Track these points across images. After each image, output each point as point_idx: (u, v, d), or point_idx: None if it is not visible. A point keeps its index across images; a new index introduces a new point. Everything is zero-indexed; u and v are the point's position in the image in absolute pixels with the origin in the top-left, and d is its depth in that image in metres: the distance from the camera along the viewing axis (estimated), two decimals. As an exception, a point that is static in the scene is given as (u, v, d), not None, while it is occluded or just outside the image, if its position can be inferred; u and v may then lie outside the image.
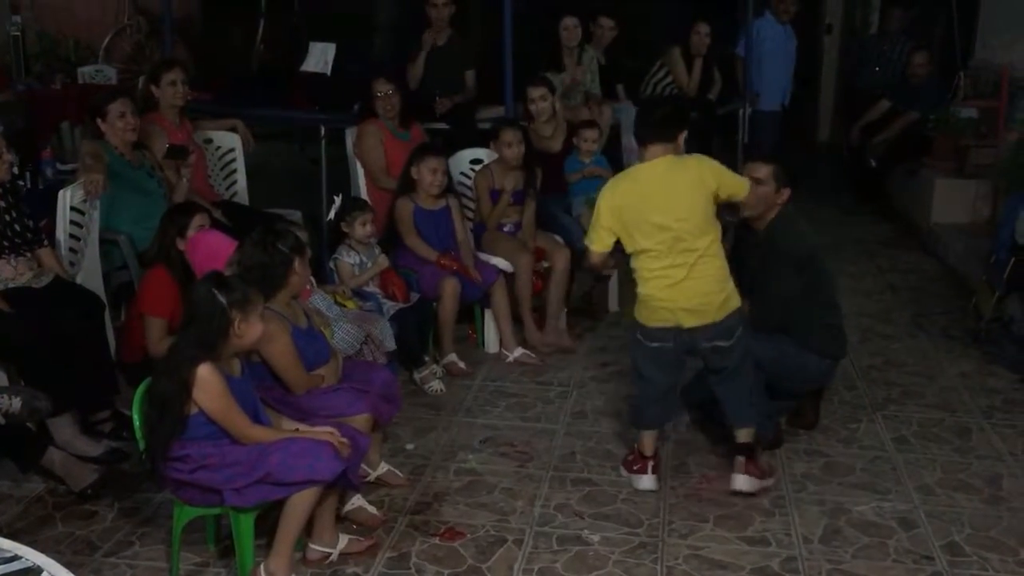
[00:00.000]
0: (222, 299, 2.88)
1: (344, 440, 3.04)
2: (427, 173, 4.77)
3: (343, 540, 3.20)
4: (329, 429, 3.08)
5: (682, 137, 3.52)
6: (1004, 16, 7.38)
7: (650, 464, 3.69)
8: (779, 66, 7.57)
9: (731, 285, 3.54)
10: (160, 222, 4.03)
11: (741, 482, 3.63)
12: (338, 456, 2.97)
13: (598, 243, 3.56)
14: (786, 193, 3.83)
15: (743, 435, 3.68)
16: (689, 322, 3.49)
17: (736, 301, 3.55)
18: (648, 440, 3.72)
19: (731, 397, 3.66)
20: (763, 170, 3.80)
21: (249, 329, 2.94)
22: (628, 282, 5.95)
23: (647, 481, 3.68)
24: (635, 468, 3.72)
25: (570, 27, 6.21)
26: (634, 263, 3.54)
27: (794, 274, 3.77)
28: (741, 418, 3.68)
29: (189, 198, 4.62)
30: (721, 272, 3.51)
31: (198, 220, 3.91)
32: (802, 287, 3.79)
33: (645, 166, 3.50)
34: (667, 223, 3.41)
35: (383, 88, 5.30)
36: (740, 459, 3.64)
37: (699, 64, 6.86)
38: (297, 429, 3.09)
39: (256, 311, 2.95)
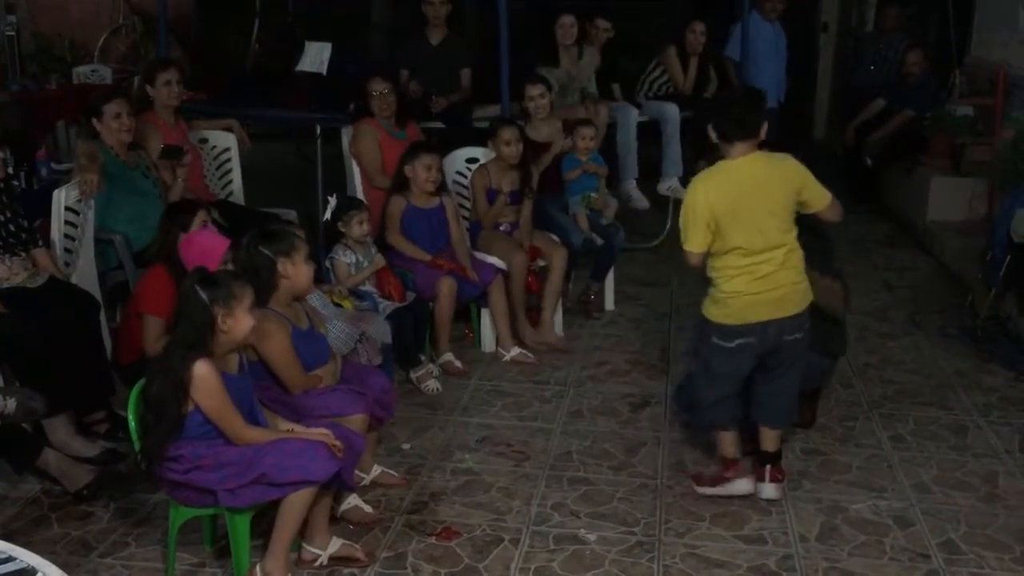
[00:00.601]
0: (203, 295, 2.88)
1: (337, 443, 3.03)
2: (421, 170, 4.76)
3: (335, 544, 3.19)
4: (323, 431, 3.07)
5: (763, 130, 3.45)
6: (999, 14, 7.38)
7: (742, 466, 3.61)
8: (770, 64, 7.57)
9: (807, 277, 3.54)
10: (161, 220, 4.02)
11: (771, 491, 3.60)
12: (332, 456, 2.97)
13: (697, 243, 3.41)
14: None
15: (772, 440, 3.63)
16: (777, 313, 3.41)
17: (811, 293, 3.52)
18: (730, 442, 3.63)
19: (778, 395, 3.59)
20: None
21: (236, 324, 2.92)
22: (625, 281, 6.01)
23: (745, 484, 3.59)
24: (728, 475, 3.60)
25: (566, 25, 6.21)
26: (717, 262, 3.44)
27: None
28: (779, 419, 3.64)
29: (184, 197, 4.62)
30: (802, 263, 3.49)
31: (201, 217, 3.90)
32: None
33: (738, 163, 3.40)
34: (760, 219, 3.36)
35: (379, 87, 5.29)
36: (768, 467, 3.61)
37: (695, 63, 6.86)
38: (292, 430, 3.09)
39: (241, 306, 2.93)
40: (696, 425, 3.74)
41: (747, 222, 3.36)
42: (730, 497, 3.61)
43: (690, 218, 3.41)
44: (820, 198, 3.48)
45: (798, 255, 3.47)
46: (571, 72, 6.26)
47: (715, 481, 3.64)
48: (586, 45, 6.44)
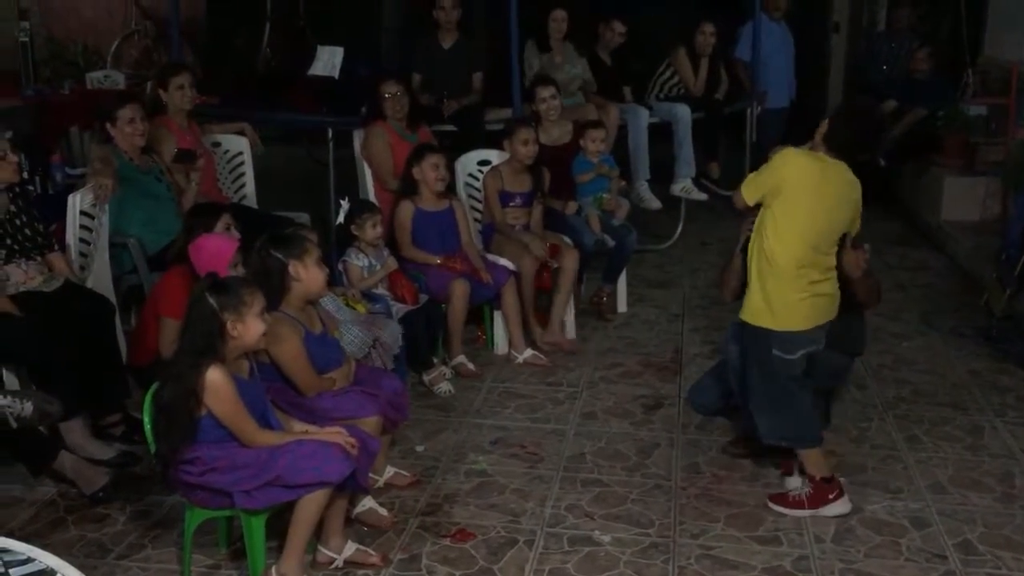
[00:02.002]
0: (212, 302, 2.88)
1: (352, 440, 3.03)
2: (429, 170, 4.77)
3: (350, 548, 3.19)
4: (337, 429, 3.07)
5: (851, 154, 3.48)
6: (1012, 13, 7.35)
7: (839, 483, 3.52)
8: (779, 64, 7.56)
9: None
10: (185, 221, 4.04)
11: (796, 482, 3.63)
12: (347, 457, 2.97)
13: (750, 194, 3.41)
14: None
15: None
16: (827, 317, 3.43)
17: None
18: (822, 459, 3.53)
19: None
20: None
21: (246, 331, 2.92)
22: (637, 282, 6.01)
23: (844, 504, 3.49)
24: (831, 497, 3.48)
25: (559, 19, 6.22)
26: (781, 258, 3.34)
27: None
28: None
29: (197, 201, 4.64)
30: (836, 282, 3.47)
31: (224, 221, 3.92)
32: None
33: (835, 162, 3.40)
34: (828, 219, 3.34)
35: (392, 89, 5.30)
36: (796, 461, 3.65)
37: (705, 64, 6.86)
38: (307, 431, 3.09)
39: (252, 311, 2.93)
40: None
41: (818, 215, 3.32)
42: (743, 499, 3.61)
43: (765, 172, 3.40)
44: (857, 224, 3.51)
45: (834, 274, 3.45)
46: (555, 61, 6.21)
47: (815, 502, 3.49)
48: (589, 51, 6.43)
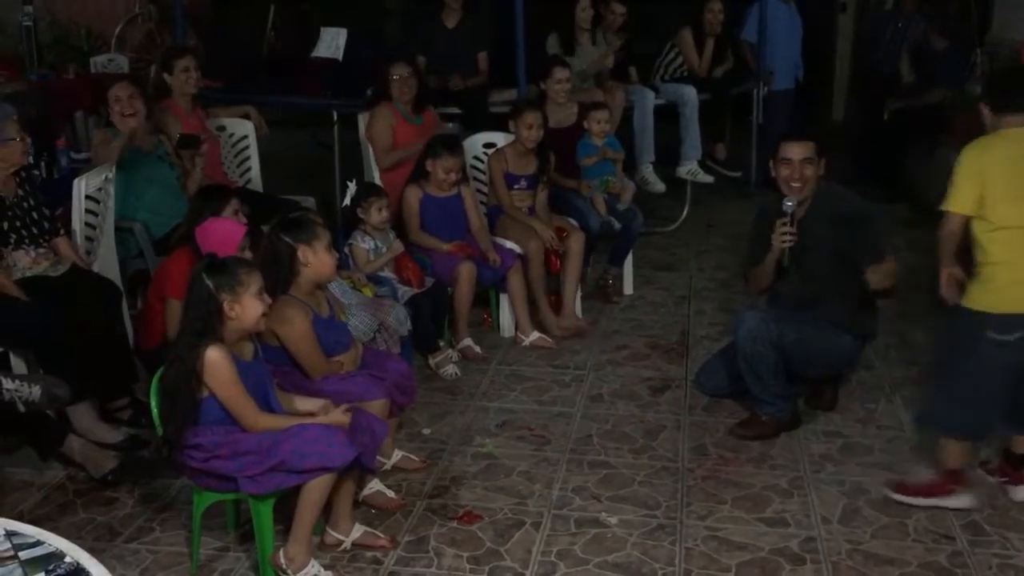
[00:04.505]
0: (209, 282, 2.88)
1: (344, 418, 3.03)
2: (441, 172, 4.76)
3: (358, 531, 3.20)
4: (342, 407, 3.07)
5: None
6: (1021, -9, 7.30)
7: (967, 477, 3.37)
8: (786, 45, 7.52)
9: None
10: (192, 203, 4.03)
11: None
12: (351, 442, 2.97)
13: (956, 202, 3.20)
14: (822, 163, 3.82)
15: None
16: None
17: None
18: (959, 453, 3.36)
19: None
20: (806, 148, 3.72)
21: (244, 311, 2.92)
22: (643, 265, 5.99)
23: (967, 499, 3.35)
24: (950, 487, 3.34)
25: (586, 7, 6.22)
26: (990, 233, 3.17)
27: (847, 237, 3.70)
28: None
29: (203, 184, 4.63)
30: None
31: (233, 205, 3.91)
32: (852, 252, 3.71)
33: (1020, 132, 3.17)
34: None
35: (401, 71, 5.27)
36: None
37: (711, 44, 6.82)
38: (309, 411, 3.09)
39: (248, 291, 2.92)
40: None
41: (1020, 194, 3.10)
42: (750, 481, 3.61)
43: (957, 178, 3.21)
44: None
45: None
46: (590, 57, 6.23)
47: (931, 492, 3.38)
48: (602, 30, 6.41)
